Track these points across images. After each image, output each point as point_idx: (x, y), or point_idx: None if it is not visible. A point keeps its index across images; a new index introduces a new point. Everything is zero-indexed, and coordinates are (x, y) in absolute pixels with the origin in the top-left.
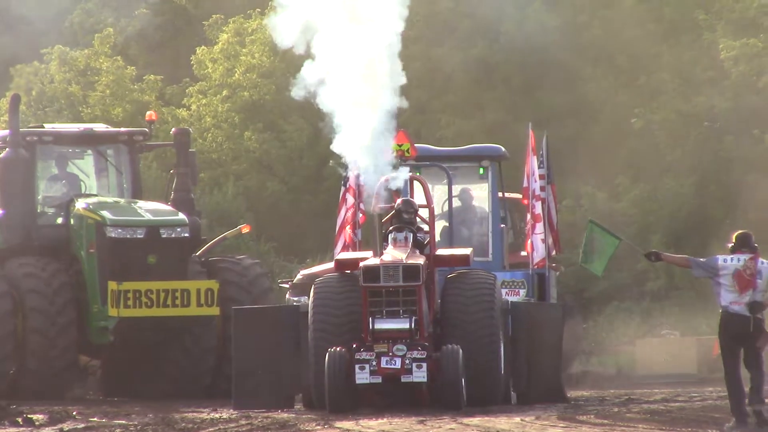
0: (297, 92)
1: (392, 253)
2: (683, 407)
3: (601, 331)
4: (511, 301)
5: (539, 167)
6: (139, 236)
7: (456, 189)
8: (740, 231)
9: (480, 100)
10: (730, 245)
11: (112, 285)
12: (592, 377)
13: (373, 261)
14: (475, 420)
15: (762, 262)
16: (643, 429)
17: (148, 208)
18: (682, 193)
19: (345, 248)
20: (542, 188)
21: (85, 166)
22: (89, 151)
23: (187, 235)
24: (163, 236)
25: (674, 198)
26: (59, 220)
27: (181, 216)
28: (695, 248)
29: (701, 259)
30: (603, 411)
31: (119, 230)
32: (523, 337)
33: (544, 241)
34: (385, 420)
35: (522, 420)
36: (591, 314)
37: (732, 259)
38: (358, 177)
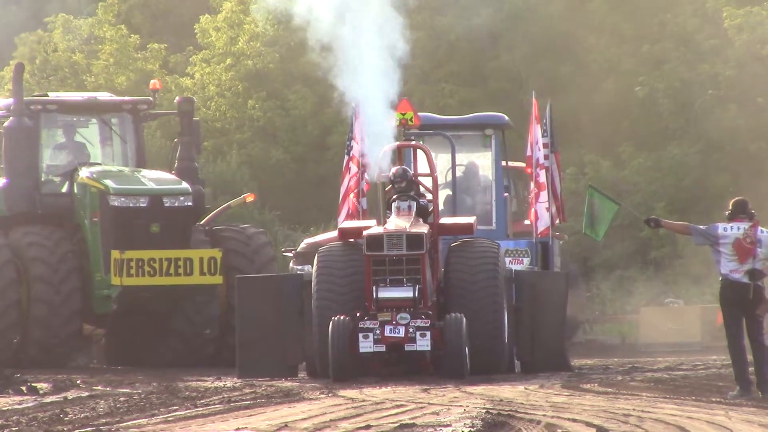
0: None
1: (396, 222)
2: (687, 376)
3: (605, 299)
4: (515, 270)
5: (543, 136)
6: (142, 205)
7: (460, 158)
8: (737, 197)
9: (484, 69)
10: (727, 212)
11: (115, 254)
12: (596, 346)
13: (376, 229)
14: (479, 389)
15: (762, 231)
16: (646, 397)
17: (152, 177)
18: (686, 162)
19: (349, 217)
20: (546, 157)
21: (89, 134)
22: (93, 120)
23: (190, 203)
24: (167, 205)
25: (678, 167)
26: (63, 189)
27: (185, 185)
28: (699, 217)
29: (701, 227)
30: (607, 379)
31: (123, 199)
32: (527, 306)
33: (548, 209)
34: (388, 388)
35: (526, 388)
36: (595, 283)
37: (732, 228)
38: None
